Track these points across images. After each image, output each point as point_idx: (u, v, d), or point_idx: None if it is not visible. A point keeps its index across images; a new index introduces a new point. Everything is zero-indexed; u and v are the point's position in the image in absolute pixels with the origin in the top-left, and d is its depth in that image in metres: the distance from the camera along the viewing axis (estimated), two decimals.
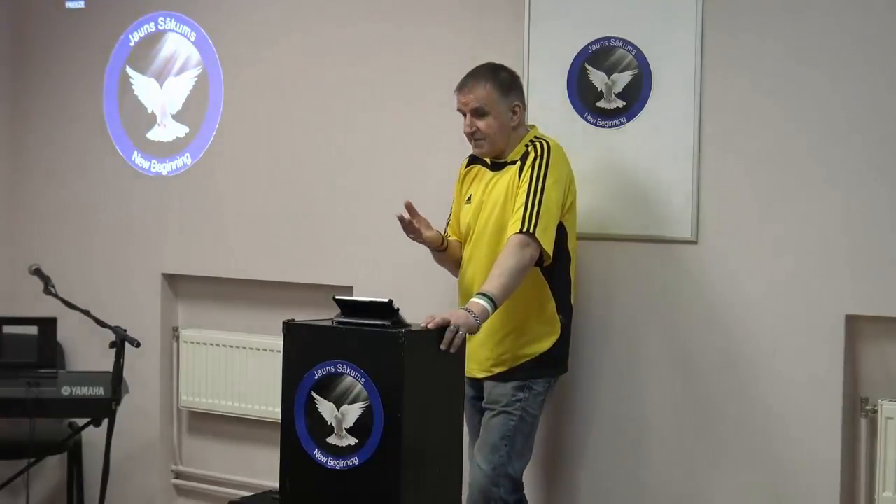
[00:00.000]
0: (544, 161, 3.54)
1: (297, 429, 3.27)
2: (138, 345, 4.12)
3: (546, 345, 3.63)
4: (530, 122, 3.81)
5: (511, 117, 3.62)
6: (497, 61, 3.71)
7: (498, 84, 3.60)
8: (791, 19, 3.62)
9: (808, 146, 3.59)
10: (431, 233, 3.72)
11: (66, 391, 4.12)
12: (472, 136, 3.63)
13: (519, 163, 3.59)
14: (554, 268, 3.59)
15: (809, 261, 3.59)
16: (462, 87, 3.64)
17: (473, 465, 3.57)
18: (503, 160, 3.65)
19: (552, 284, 3.62)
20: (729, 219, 3.71)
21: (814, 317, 3.57)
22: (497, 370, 3.61)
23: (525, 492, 3.69)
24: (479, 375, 3.62)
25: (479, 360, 3.59)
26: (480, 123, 3.60)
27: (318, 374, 3.23)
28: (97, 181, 5.13)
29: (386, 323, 3.21)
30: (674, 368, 3.82)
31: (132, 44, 5.03)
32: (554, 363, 3.67)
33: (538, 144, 3.59)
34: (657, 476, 3.85)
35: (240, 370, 4.74)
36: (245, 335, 4.76)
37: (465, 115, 3.64)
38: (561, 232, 3.58)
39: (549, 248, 3.50)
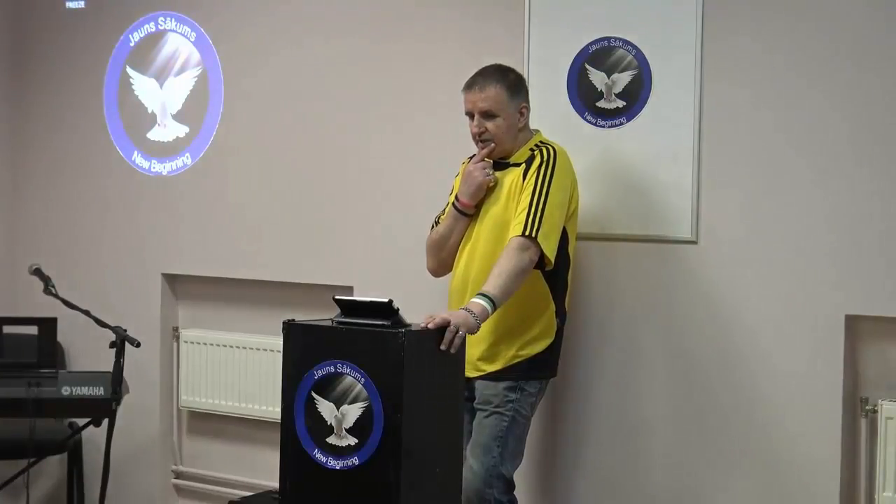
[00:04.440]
0: (550, 166, 3.54)
1: (297, 429, 3.27)
2: (138, 345, 4.11)
3: (541, 347, 3.63)
4: (531, 122, 3.81)
5: (518, 119, 3.63)
6: (497, 61, 3.71)
7: (507, 85, 3.61)
8: (791, 19, 3.62)
9: (809, 146, 3.59)
10: None
11: (66, 391, 4.12)
12: (480, 137, 3.63)
13: (524, 165, 3.59)
14: (554, 272, 3.59)
15: (809, 261, 3.59)
16: (471, 87, 3.63)
17: (466, 466, 3.56)
18: (507, 161, 3.65)
19: (552, 288, 3.62)
20: (729, 219, 3.71)
21: (814, 317, 3.57)
22: (489, 368, 3.60)
23: (523, 493, 3.69)
24: (471, 375, 3.61)
25: (471, 358, 3.58)
26: (489, 125, 3.60)
27: (318, 374, 3.23)
28: (97, 181, 5.13)
29: (386, 323, 3.21)
30: (673, 368, 3.82)
31: (132, 44, 5.03)
32: (546, 366, 3.67)
33: (544, 150, 3.59)
34: (657, 477, 3.85)
35: (240, 370, 4.73)
36: (245, 335, 4.76)
37: (471, 116, 3.64)
38: (562, 237, 3.58)
39: (551, 253, 3.50)
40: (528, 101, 3.68)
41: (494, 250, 3.54)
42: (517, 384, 3.59)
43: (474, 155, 3.70)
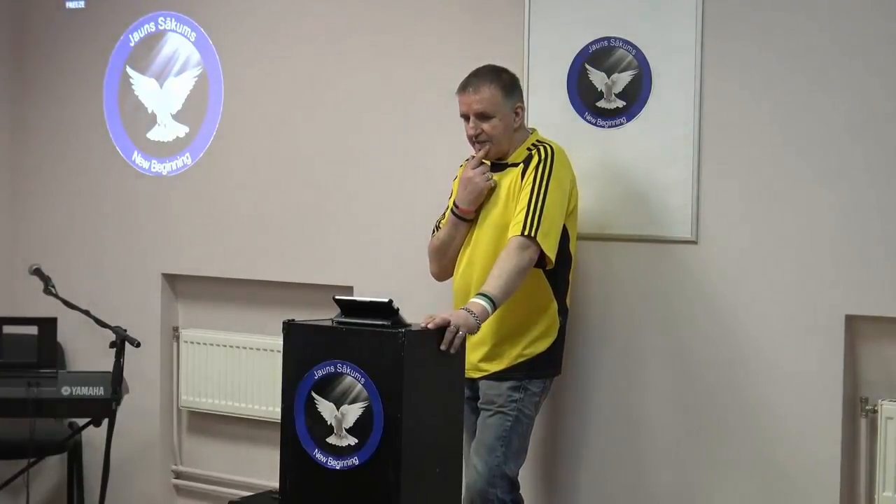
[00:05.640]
0: (548, 165, 3.54)
1: (297, 429, 3.27)
2: (138, 345, 4.12)
3: (544, 345, 3.63)
4: (530, 122, 3.81)
5: (514, 118, 3.62)
6: (497, 61, 3.71)
7: (501, 86, 3.60)
8: (790, 20, 3.62)
9: (808, 146, 3.59)
10: None
11: (66, 391, 4.12)
12: (476, 138, 3.62)
13: (522, 165, 3.59)
14: (555, 270, 3.59)
15: (809, 261, 3.59)
16: (465, 88, 3.62)
17: (470, 466, 3.57)
18: (504, 161, 3.65)
19: (554, 286, 3.62)
20: (729, 219, 3.71)
21: (814, 317, 3.57)
22: (493, 369, 3.60)
23: (525, 491, 3.69)
24: (475, 375, 3.61)
25: (475, 360, 3.58)
26: (485, 126, 3.59)
27: (318, 374, 3.24)
28: (97, 181, 5.13)
29: (386, 323, 3.21)
30: (673, 368, 3.82)
31: (132, 44, 5.03)
32: (549, 364, 3.67)
33: (542, 148, 3.59)
34: (656, 476, 3.85)
35: (240, 370, 4.73)
36: (245, 335, 4.76)
37: (467, 118, 3.63)
38: (563, 235, 3.58)
39: (551, 252, 3.50)
40: (522, 101, 3.68)
41: (495, 254, 3.53)
42: (521, 384, 3.59)
43: (470, 157, 3.69)
